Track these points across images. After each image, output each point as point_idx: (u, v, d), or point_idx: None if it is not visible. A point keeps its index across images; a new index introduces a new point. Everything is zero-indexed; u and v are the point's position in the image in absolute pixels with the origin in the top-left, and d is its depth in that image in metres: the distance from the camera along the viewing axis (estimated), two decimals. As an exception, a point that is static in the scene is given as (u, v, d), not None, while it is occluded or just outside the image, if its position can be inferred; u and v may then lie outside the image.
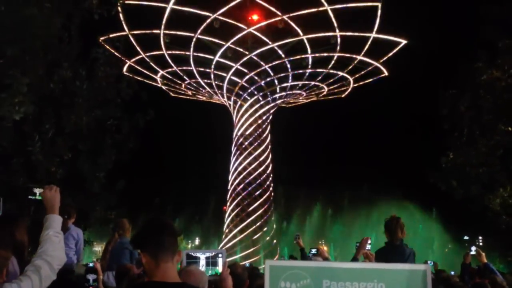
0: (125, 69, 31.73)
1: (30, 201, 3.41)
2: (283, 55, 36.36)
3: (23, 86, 8.73)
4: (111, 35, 23.49)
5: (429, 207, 43.71)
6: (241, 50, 36.20)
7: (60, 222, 3.13)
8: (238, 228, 39.61)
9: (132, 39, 32.57)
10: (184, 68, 37.17)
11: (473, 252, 8.83)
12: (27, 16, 8.87)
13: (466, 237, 45.32)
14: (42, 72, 9.77)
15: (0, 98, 8.62)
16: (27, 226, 4.04)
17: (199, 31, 33.04)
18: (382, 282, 3.09)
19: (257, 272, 7.03)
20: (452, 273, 13.27)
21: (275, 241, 41.40)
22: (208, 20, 31.98)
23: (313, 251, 9.42)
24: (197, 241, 47.78)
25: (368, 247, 6.27)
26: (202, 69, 37.43)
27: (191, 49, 34.44)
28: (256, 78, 38.72)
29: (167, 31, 32.56)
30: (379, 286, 3.08)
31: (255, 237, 39.48)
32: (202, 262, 4.04)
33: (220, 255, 3.86)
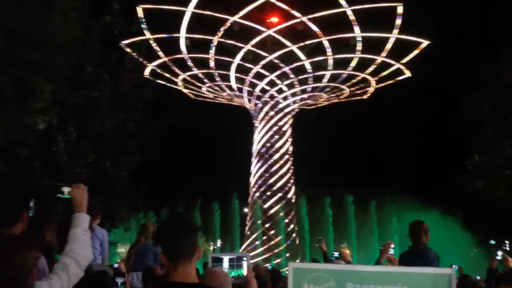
0: (147, 72, 32.16)
1: (58, 199, 3.50)
2: (303, 57, 36.26)
3: (45, 92, 8.93)
4: (133, 39, 23.87)
5: (455, 210, 42.92)
6: (261, 52, 36.24)
7: (87, 220, 3.21)
8: (260, 231, 39.61)
9: (154, 43, 32.96)
10: (205, 71, 37.40)
11: (499, 257, 8.59)
12: (51, 24, 9.10)
13: (492, 241, 44.20)
14: (68, 79, 9.98)
15: (25, 107, 8.83)
16: (56, 226, 4.15)
17: (219, 34, 33.23)
18: (406, 285, 3.06)
19: (279, 274, 7.05)
20: (478, 278, 13.02)
21: (297, 243, 41.22)
22: (228, 23, 32.17)
23: (336, 254, 9.36)
24: (219, 243, 48.00)
25: (391, 251, 6.23)
26: (222, 71, 37.60)
27: (212, 52, 34.66)
28: (276, 80, 38.70)
29: (188, 35, 32.88)
30: (403, 289, 3.06)
31: (277, 239, 39.41)
32: (226, 264, 4.08)
33: (244, 258, 3.90)
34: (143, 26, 30.46)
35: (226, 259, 4.01)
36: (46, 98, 9.11)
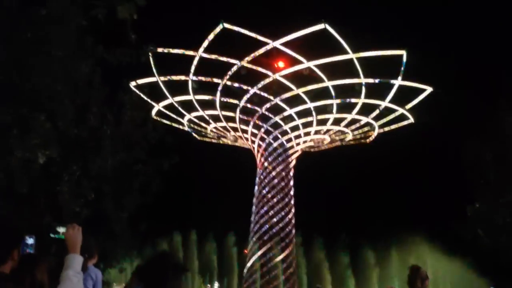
0: (153, 113, 32.61)
1: (53, 239, 3.50)
2: (308, 101, 36.73)
3: (42, 129, 8.85)
4: (140, 81, 24.29)
5: (455, 257, 42.24)
6: (266, 95, 36.77)
7: (80, 262, 3.21)
8: (258, 272, 38.86)
9: (161, 84, 33.62)
10: (210, 112, 37.89)
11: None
12: (54, 60, 8.98)
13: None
14: (71, 118, 9.99)
15: (24, 140, 8.78)
16: (47, 266, 4.18)
17: (226, 78, 33.88)
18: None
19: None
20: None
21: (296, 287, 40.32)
22: (235, 68, 32.85)
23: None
24: (216, 285, 47.00)
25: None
26: (227, 113, 38.07)
27: (218, 94, 35.22)
28: (280, 122, 39.07)
29: (195, 78, 33.54)
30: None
31: (276, 283, 38.63)
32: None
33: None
34: (154, 70, 31.23)
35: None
36: (43, 133, 8.99)
